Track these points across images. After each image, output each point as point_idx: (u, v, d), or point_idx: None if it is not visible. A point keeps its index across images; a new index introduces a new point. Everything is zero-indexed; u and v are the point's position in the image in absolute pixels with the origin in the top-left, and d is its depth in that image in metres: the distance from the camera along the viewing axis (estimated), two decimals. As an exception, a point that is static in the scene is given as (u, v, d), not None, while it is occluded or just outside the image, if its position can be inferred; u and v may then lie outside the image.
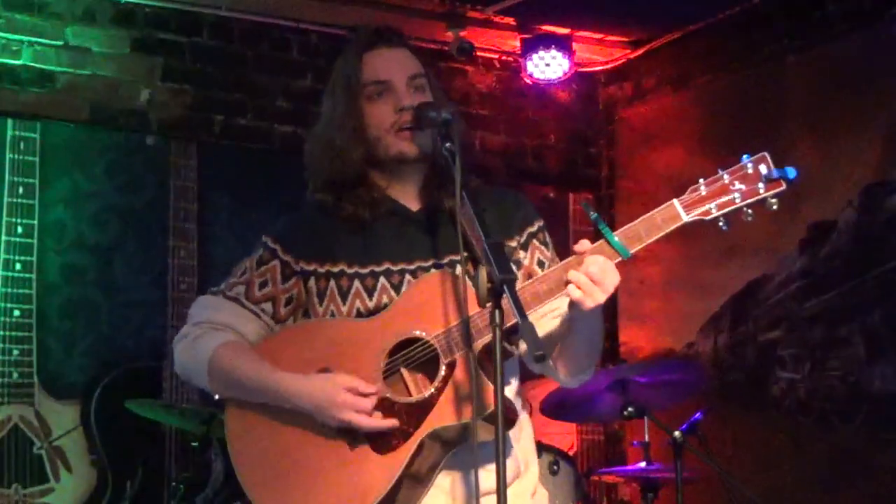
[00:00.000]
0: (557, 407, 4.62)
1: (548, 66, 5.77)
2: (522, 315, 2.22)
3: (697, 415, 4.47)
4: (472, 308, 2.41)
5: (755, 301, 5.36)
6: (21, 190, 4.81)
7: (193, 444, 4.43)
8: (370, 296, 2.55)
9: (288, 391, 2.48)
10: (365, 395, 2.42)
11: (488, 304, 2.25)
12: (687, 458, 4.33)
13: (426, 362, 2.47)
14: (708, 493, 4.97)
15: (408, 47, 2.68)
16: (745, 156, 2.38)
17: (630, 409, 4.43)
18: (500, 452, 2.17)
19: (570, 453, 5.65)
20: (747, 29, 5.50)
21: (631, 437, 5.72)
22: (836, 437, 4.97)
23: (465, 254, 2.43)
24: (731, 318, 5.48)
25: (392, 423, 2.42)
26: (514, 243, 2.63)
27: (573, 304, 2.38)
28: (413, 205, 2.63)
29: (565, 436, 5.65)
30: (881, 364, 4.82)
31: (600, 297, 2.34)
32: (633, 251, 2.37)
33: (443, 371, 2.43)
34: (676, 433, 4.32)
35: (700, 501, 4.99)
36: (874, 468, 4.84)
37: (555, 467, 4.46)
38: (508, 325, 2.31)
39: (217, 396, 2.65)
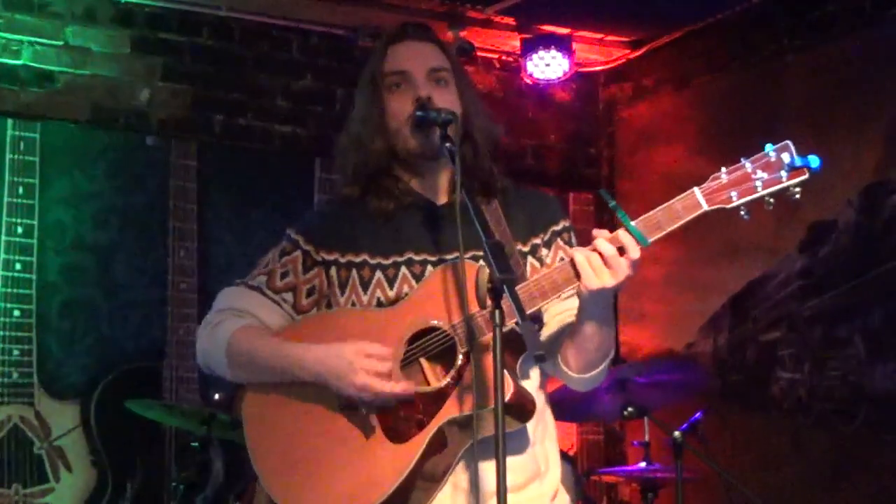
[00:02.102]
0: (557, 407, 4.55)
1: (548, 66, 5.77)
2: (522, 315, 2.23)
3: (697, 415, 4.47)
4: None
5: (755, 301, 5.35)
6: (21, 190, 4.81)
7: (193, 444, 4.43)
8: (391, 286, 2.55)
9: (305, 358, 2.47)
10: (383, 359, 2.41)
11: (488, 304, 2.25)
12: (687, 458, 4.33)
13: (444, 352, 2.45)
14: (708, 493, 4.97)
15: (436, 42, 2.67)
16: (768, 145, 2.35)
17: (630, 409, 4.43)
18: (499, 451, 2.16)
19: (570, 453, 5.65)
20: (747, 29, 5.50)
21: (631, 437, 5.72)
22: (836, 437, 4.97)
23: (471, 252, 2.43)
24: (731, 318, 5.48)
25: (407, 387, 2.41)
26: (538, 240, 2.62)
27: (588, 292, 2.36)
28: (439, 198, 2.63)
29: (565, 436, 5.65)
30: (881, 364, 4.82)
31: (608, 280, 2.32)
32: (652, 240, 2.34)
33: (459, 361, 2.41)
34: (676, 433, 4.32)
35: (700, 501, 4.99)
36: (874, 468, 4.84)
37: (555, 467, 4.46)
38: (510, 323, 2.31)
39: (233, 379, 2.62)
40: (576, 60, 5.83)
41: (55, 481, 4.77)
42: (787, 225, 5.10)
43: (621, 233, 2.34)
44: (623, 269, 2.32)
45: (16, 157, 4.82)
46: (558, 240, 2.64)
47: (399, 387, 2.40)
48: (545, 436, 2.62)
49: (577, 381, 2.60)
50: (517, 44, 5.83)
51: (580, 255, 2.34)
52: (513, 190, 2.67)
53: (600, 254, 2.33)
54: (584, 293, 2.36)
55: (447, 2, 5.42)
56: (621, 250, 2.33)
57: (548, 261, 2.61)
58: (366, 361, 2.41)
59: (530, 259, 2.61)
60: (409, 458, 2.41)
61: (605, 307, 2.43)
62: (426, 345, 2.46)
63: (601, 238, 2.34)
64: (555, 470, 2.62)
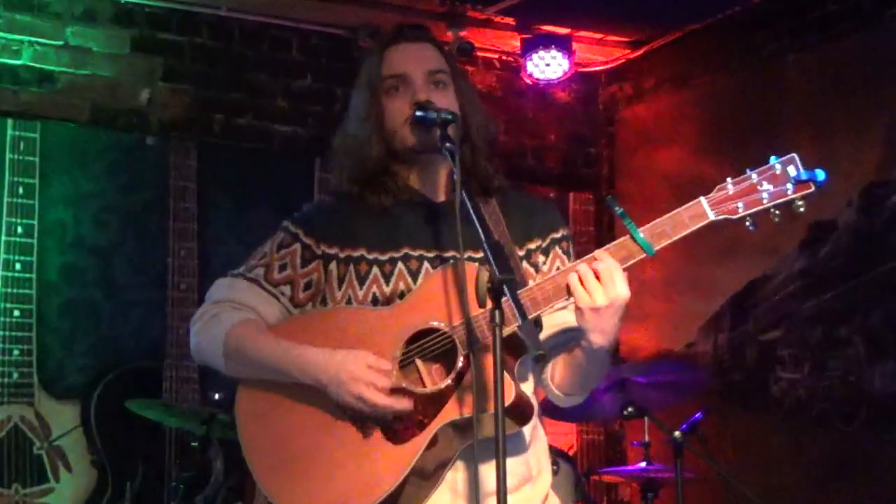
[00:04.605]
0: (557, 407, 4.61)
1: (548, 66, 5.77)
2: (523, 315, 2.22)
3: (697, 415, 4.47)
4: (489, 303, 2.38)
5: (755, 301, 5.35)
6: (21, 190, 4.81)
7: (193, 444, 4.43)
8: (387, 281, 2.54)
9: (306, 361, 2.44)
10: (384, 374, 2.40)
11: (488, 304, 2.25)
12: (687, 458, 4.33)
13: (442, 353, 2.44)
14: (708, 493, 4.97)
15: (432, 43, 2.67)
16: (773, 157, 2.35)
17: (630, 409, 4.43)
18: (499, 452, 2.16)
19: (570, 453, 5.65)
20: (747, 29, 5.50)
21: (631, 437, 5.72)
22: (836, 437, 4.97)
23: (469, 253, 2.42)
24: (731, 318, 5.48)
25: (406, 405, 2.40)
26: (534, 245, 2.61)
27: (578, 312, 2.35)
28: (438, 196, 2.62)
29: (565, 436, 5.65)
30: (881, 364, 4.82)
31: (600, 299, 2.30)
32: (657, 248, 2.34)
33: (460, 363, 2.40)
34: (676, 433, 4.32)
35: (700, 501, 4.99)
36: (874, 468, 4.84)
37: (555, 467, 4.46)
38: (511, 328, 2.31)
39: (228, 373, 2.59)
40: (576, 60, 5.83)
41: (55, 481, 4.77)
42: (787, 225, 5.08)
43: (630, 246, 2.34)
44: (614, 287, 2.30)
45: (16, 157, 4.82)
46: (557, 248, 2.63)
47: (396, 403, 2.39)
48: (537, 441, 2.62)
49: (557, 398, 2.61)
50: (517, 44, 5.83)
51: (573, 273, 2.33)
52: (510, 191, 2.67)
53: (595, 272, 2.31)
54: (580, 316, 2.35)
55: (447, 2, 5.42)
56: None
57: (544, 268, 2.60)
58: (368, 373, 2.39)
59: (524, 263, 2.59)
60: (407, 459, 2.40)
61: (604, 335, 2.37)
62: (425, 346, 2.45)
63: (600, 255, 2.34)
64: (546, 475, 2.63)
